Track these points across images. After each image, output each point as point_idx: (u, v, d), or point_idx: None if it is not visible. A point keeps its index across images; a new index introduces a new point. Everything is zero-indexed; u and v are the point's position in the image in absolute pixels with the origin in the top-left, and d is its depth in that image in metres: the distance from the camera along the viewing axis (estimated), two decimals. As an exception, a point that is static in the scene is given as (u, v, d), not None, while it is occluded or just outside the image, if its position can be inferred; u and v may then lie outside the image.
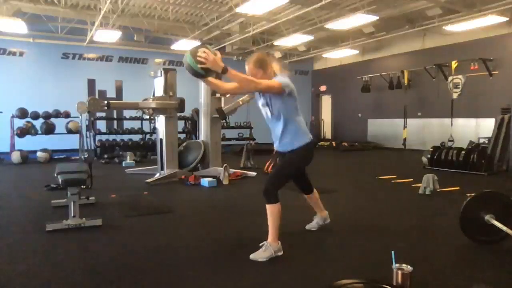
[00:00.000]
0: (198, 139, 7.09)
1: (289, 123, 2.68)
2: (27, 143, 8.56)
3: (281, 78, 2.61)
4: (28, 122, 8.58)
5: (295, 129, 2.69)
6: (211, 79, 2.65)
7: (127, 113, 10.63)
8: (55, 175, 3.46)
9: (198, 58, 2.38)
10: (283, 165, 2.80)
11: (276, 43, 11.55)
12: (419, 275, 2.21)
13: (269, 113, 2.72)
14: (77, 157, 8.41)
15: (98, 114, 9.68)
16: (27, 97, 10.08)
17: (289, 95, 2.61)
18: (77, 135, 8.45)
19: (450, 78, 9.17)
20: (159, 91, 6.14)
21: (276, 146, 2.84)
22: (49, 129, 8.64)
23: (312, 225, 3.26)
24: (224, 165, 5.87)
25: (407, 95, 11.34)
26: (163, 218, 3.78)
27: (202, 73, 2.46)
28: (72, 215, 3.31)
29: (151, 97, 6.23)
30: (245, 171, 6.53)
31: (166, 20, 10.43)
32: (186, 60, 2.45)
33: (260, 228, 2.83)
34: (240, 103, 6.31)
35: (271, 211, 2.61)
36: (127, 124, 10.61)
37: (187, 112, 8.55)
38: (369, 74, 12.57)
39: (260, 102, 2.76)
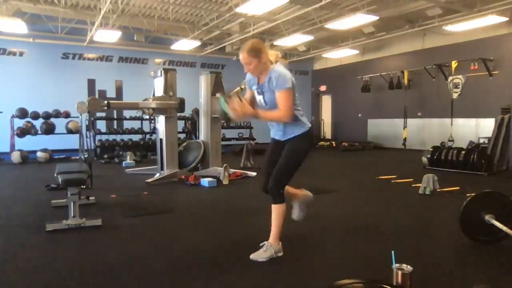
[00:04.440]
0: (198, 139, 7.09)
1: None
2: (27, 143, 8.56)
3: (283, 76, 2.48)
4: (28, 122, 8.58)
5: (294, 118, 2.56)
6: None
7: (127, 113, 10.64)
8: (55, 175, 3.46)
9: (230, 109, 2.49)
10: (286, 158, 2.60)
11: (276, 43, 11.54)
12: (419, 275, 2.21)
13: (263, 102, 2.62)
14: (77, 157, 8.41)
15: (98, 114, 9.68)
16: (27, 97, 10.09)
17: None
18: (77, 135, 8.44)
19: (450, 78, 9.16)
20: (159, 91, 6.14)
21: (272, 134, 2.74)
22: (49, 129, 8.64)
23: (297, 214, 2.97)
24: (224, 165, 5.87)
25: (407, 95, 11.33)
26: (163, 218, 3.78)
27: (232, 118, 2.62)
28: (72, 215, 3.31)
29: (151, 97, 6.24)
30: (245, 171, 6.52)
31: (166, 20, 10.43)
32: (221, 108, 2.58)
33: (260, 228, 2.83)
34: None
35: (277, 211, 2.58)
36: (127, 124, 10.61)
37: (187, 112, 8.55)
38: (369, 74, 12.57)
39: (254, 87, 2.66)
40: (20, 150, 8.24)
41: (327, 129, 15.02)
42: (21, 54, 10.75)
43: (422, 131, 11.26)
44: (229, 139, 10.85)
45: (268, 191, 2.63)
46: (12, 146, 8.43)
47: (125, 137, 10.01)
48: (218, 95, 2.64)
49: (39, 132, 8.61)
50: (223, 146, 7.49)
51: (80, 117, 7.41)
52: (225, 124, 8.58)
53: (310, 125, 2.66)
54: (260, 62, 2.52)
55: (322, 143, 13.18)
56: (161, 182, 5.76)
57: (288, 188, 2.78)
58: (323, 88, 15.12)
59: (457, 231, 2.88)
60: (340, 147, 11.70)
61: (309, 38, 10.83)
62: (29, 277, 2.34)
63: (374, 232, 3.28)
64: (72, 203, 3.32)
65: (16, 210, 4.06)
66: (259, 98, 2.65)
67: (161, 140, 6.17)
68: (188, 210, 4.19)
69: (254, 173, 6.43)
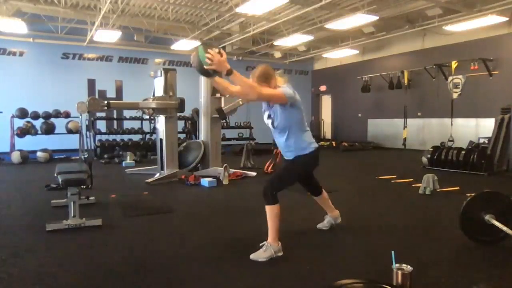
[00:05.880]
0: (198, 139, 7.09)
1: (293, 135, 2.69)
2: (27, 143, 8.56)
3: (285, 89, 2.60)
4: (28, 122, 8.57)
5: (299, 141, 2.70)
6: (218, 79, 2.68)
7: (127, 113, 10.64)
8: (55, 175, 3.46)
9: (206, 56, 2.40)
10: (286, 170, 2.83)
11: (276, 43, 11.55)
12: (419, 275, 2.21)
13: (271, 125, 2.75)
14: (77, 157, 8.41)
15: (98, 114, 9.68)
16: (27, 97, 10.09)
17: (292, 106, 2.61)
18: (77, 135, 8.45)
19: (450, 78, 9.16)
20: (159, 91, 6.14)
21: (283, 153, 2.88)
22: (49, 129, 8.64)
23: (323, 224, 3.28)
24: (224, 165, 5.87)
25: (407, 95, 11.34)
26: (163, 218, 3.79)
27: (207, 71, 2.48)
28: (72, 215, 3.31)
29: (151, 97, 6.24)
30: (245, 171, 6.53)
31: (166, 20, 10.43)
32: (197, 55, 2.45)
33: (260, 228, 2.83)
34: (240, 103, 6.31)
35: (270, 212, 2.62)
36: (127, 124, 10.61)
37: (187, 112, 8.55)
38: (369, 74, 12.57)
39: (265, 115, 2.77)
40: (20, 150, 8.24)
41: (327, 129, 15.02)
42: (21, 54, 10.75)
43: (422, 131, 11.26)
44: (229, 139, 10.85)
45: (316, 194, 3.16)
46: (12, 146, 8.43)
47: (125, 137, 10.00)
48: (199, 45, 2.56)
49: (39, 132, 8.60)
50: (223, 146, 7.49)
51: (80, 117, 7.43)
52: (225, 124, 8.58)
53: (316, 146, 2.79)
54: (268, 87, 2.60)
55: (322, 143, 13.16)
56: (161, 182, 5.76)
57: (328, 202, 3.23)
58: (323, 88, 15.12)
59: (457, 231, 2.88)
60: (340, 147, 11.69)
61: (309, 38, 10.82)
62: (29, 277, 2.34)
63: (374, 232, 3.29)
64: (72, 203, 3.32)
65: (16, 210, 4.06)
66: (268, 122, 2.75)
67: (161, 140, 6.17)
68: (188, 210, 4.19)
69: (254, 173, 6.44)
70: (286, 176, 2.80)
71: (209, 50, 2.40)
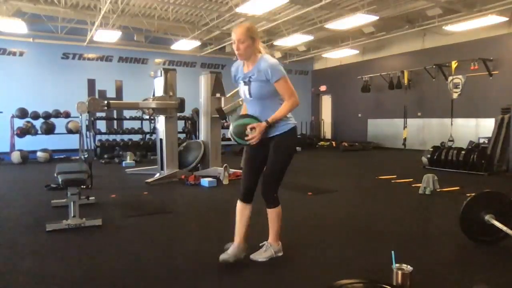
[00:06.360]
0: (198, 139, 7.09)
1: (272, 107, 2.43)
2: (27, 143, 8.56)
3: (275, 66, 2.39)
4: (28, 122, 8.58)
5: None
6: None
7: (127, 113, 10.63)
8: (55, 175, 3.46)
9: (246, 139, 2.45)
10: (276, 158, 2.49)
11: (276, 43, 11.55)
12: (419, 275, 2.21)
13: (247, 94, 2.49)
14: (77, 157, 8.41)
15: (98, 114, 9.68)
16: (27, 97, 10.09)
17: None
18: (77, 135, 8.45)
19: (450, 78, 9.16)
20: (159, 91, 6.14)
21: None
22: (49, 129, 8.64)
23: (229, 256, 2.48)
24: (224, 165, 5.87)
25: (407, 95, 11.34)
26: (163, 218, 3.78)
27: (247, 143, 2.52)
28: (72, 215, 3.31)
29: (151, 97, 6.24)
30: (245, 171, 6.51)
31: (166, 20, 10.43)
32: (237, 141, 2.57)
33: (260, 228, 2.83)
34: (240, 103, 6.30)
35: (272, 214, 2.56)
36: (127, 124, 10.61)
37: (187, 112, 8.55)
38: (369, 74, 12.57)
39: (240, 82, 2.54)
40: (20, 150, 8.24)
41: (327, 129, 15.02)
42: (21, 54, 10.74)
43: (422, 131, 11.26)
44: (229, 139, 10.78)
45: (249, 199, 2.55)
46: (12, 146, 8.43)
47: (125, 137, 10.01)
48: (230, 131, 2.60)
49: (39, 132, 8.61)
50: (223, 146, 7.48)
51: (80, 117, 7.43)
52: (224, 124, 8.58)
53: (295, 122, 2.56)
54: (252, 45, 2.41)
55: (322, 143, 13.18)
56: (161, 182, 5.76)
57: (248, 224, 2.56)
58: (323, 88, 15.12)
59: (457, 231, 2.88)
60: (340, 147, 11.70)
61: (309, 38, 10.83)
62: (28, 277, 2.33)
63: (374, 232, 3.28)
64: (72, 203, 3.32)
65: (16, 210, 4.06)
66: (244, 89, 2.50)
67: (161, 140, 6.16)
68: (188, 210, 4.19)
69: (254, 173, 6.42)
70: (278, 170, 2.50)
71: (246, 137, 2.44)
